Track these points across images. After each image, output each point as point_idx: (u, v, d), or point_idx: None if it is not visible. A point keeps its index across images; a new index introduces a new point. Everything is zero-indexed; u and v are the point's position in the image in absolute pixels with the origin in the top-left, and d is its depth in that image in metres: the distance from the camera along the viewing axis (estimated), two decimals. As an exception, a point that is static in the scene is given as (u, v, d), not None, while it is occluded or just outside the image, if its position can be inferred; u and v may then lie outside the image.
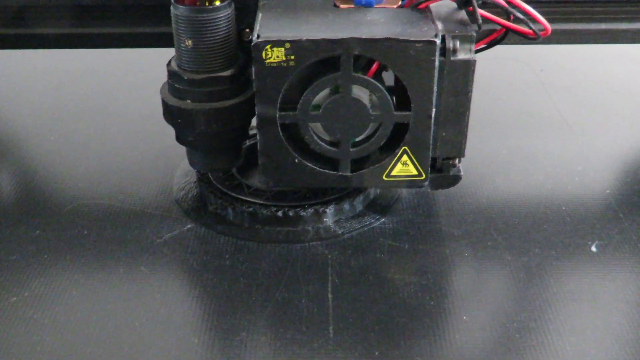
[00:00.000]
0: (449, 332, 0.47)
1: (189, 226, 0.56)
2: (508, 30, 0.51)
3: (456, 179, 0.55)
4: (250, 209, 0.56)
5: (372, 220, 0.57)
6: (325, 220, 0.56)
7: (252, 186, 0.58)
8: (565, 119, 0.71)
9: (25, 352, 0.46)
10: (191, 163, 0.56)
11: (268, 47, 0.48)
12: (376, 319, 0.48)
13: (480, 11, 0.50)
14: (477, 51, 0.52)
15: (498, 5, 0.50)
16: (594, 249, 0.54)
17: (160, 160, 0.63)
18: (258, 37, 0.48)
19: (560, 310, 0.48)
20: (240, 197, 0.57)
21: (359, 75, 0.50)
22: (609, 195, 0.60)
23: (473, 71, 0.50)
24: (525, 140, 0.67)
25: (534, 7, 0.50)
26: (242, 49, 0.53)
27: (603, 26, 0.61)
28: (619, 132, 0.69)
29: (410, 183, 0.53)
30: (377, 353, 0.46)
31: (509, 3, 0.50)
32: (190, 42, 0.51)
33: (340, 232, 0.56)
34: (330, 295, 0.50)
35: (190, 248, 0.54)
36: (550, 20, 0.54)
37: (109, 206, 0.58)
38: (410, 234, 0.55)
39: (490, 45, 0.53)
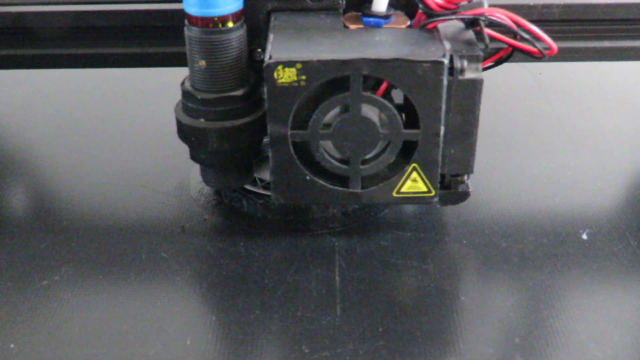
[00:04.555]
0: (447, 311, 0.50)
1: (205, 217, 0.59)
2: (515, 48, 0.52)
3: (465, 195, 0.55)
4: (263, 201, 0.59)
5: (377, 211, 0.59)
6: (333, 211, 0.59)
7: (265, 179, 0.60)
8: (561, 120, 0.73)
9: (56, 328, 0.49)
10: (205, 180, 0.57)
11: (280, 67, 0.49)
12: (380, 299, 0.51)
13: (487, 30, 0.51)
14: (484, 69, 0.52)
15: (504, 26, 0.50)
16: (584, 236, 0.57)
17: (177, 159, 0.65)
18: (270, 57, 0.49)
19: (551, 290, 0.51)
20: (253, 190, 0.60)
21: (368, 94, 0.50)
22: (600, 188, 0.62)
23: (480, 90, 0.50)
24: (521, 138, 0.70)
25: (539, 27, 0.51)
26: (253, 69, 0.54)
27: (607, 44, 0.63)
28: (613, 131, 0.71)
29: (420, 199, 0.54)
30: (380, 329, 0.48)
31: (514, 23, 0.50)
32: (203, 62, 0.51)
33: (346, 221, 0.58)
34: (337, 278, 0.53)
35: (207, 236, 0.57)
36: (554, 38, 0.56)
37: (131, 199, 0.61)
38: (412, 223, 0.58)
39: (497, 63, 0.54)
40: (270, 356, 0.47)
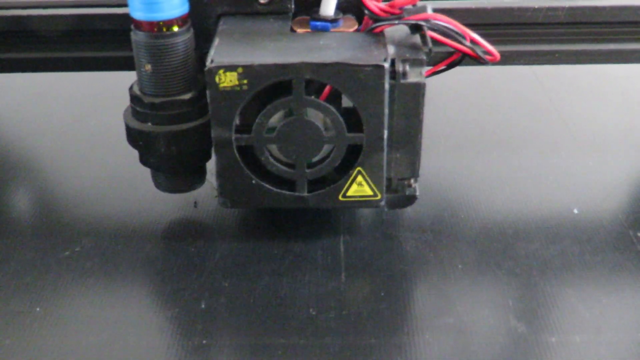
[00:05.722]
0: (445, 277, 0.53)
1: (216, 194, 0.62)
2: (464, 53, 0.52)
3: (411, 199, 0.55)
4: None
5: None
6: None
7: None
8: (563, 118, 0.74)
9: (78, 295, 0.52)
10: (156, 185, 0.57)
11: (221, 71, 0.49)
12: (382, 267, 0.54)
13: (433, 34, 0.51)
14: (437, 72, 0.53)
15: (448, 30, 0.51)
16: (575, 211, 0.59)
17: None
18: (212, 61, 0.49)
19: (543, 258, 0.55)
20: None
21: (311, 98, 0.50)
22: (591, 168, 0.65)
23: (423, 94, 0.50)
24: (523, 137, 0.71)
25: (480, 34, 0.51)
26: (203, 73, 0.52)
27: (612, 46, 0.62)
28: (615, 131, 0.72)
29: (366, 203, 0.54)
30: (382, 293, 0.52)
31: (456, 32, 0.51)
32: (149, 66, 0.51)
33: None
34: (342, 248, 0.56)
35: (219, 211, 0.59)
36: (559, 41, 0.58)
37: (145, 182, 0.61)
38: None
39: (450, 66, 0.54)
40: (279, 318, 0.50)
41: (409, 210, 0.60)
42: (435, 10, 0.54)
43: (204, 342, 0.48)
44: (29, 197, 0.64)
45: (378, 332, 0.49)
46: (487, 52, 0.51)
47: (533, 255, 0.55)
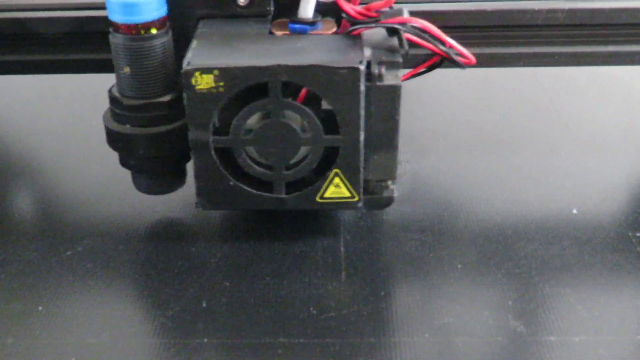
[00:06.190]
0: (445, 277, 0.53)
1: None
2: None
3: (389, 200, 0.55)
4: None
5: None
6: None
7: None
8: (562, 118, 0.74)
9: (80, 294, 0.52)
10: (136, 187, 0.58)
11: (197, 73, 0.49)
12: (382, 267, 0.54)
13: (410, 37, 0.51)
14: (418, 74, 0.53)
15: (424, 33, 0.51)
16: (575, 211, 0.60)
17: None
18: (188, 64, 0.49)
19: (542, 259, 0.55)
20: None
21: (288, 100, 0.50)
22: (590, 169, 0.65)
23: (399, 96, 0.50)
24: (514, 119, 0.72)
25: (455, 38, 0.51)
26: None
27: (611, 48, 0.62)
28: (605, 115, 0.74)
29: (344, 205, 0.54)
30: (382, 293, 0.52)
31: (431, 36, 0.51)
32: (128, 69, 0.51)
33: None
34: (342, 249, 0.56)
35: (221, 213, 0.60)
36: (559, 43, 0.58)
37: None
38: (413, 200, 0.60)
39: (430, 68, 0.54)
40: (280, 317, 0.50)
41: (408, 210, 0.60)
42: (436, 13, 0.54)
43: (205, 341, 0.49)
44: (30, 198, 0.65)
45: (378, 331, 0.49)
46: (462, 55, 0.52)
47: (532, 255, 0.55)
